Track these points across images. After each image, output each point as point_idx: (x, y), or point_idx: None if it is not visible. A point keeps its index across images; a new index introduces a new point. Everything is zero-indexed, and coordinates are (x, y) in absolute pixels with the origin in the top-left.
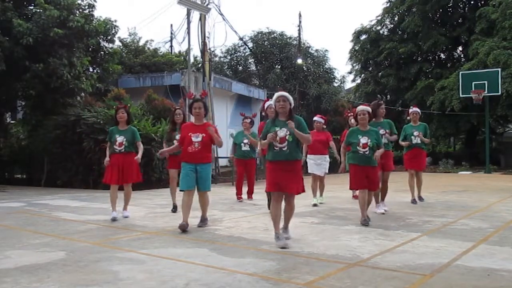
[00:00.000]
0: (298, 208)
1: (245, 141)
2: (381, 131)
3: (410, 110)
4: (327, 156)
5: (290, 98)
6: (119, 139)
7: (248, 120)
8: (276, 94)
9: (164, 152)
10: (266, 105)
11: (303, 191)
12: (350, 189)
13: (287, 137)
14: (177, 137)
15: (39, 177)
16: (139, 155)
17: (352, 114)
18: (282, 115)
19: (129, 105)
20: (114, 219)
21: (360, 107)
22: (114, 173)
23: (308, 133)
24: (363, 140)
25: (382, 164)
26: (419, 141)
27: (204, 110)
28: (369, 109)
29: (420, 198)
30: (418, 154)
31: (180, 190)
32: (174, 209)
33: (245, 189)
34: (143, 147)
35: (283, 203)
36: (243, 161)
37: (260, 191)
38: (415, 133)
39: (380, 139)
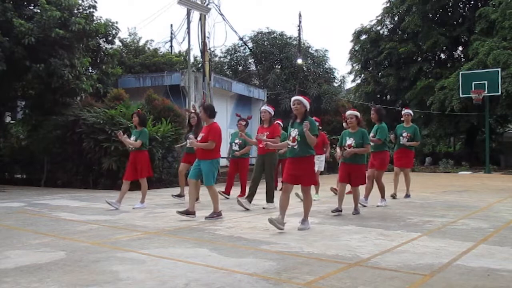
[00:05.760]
0: (297, 209)
1: (236, 141)
2: (371, 134)
3: (403, 112)
4: (322, 156)
5: (304, 101)
6: (132, 139)
7: (244, 123)
8: (292, 98)
9: (177, 148)
10: (261, 110)
11: (315, 183)
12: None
13: (296, 137)
14: (190, 136)
15: (39, 177)
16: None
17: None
18: (298, 117)
19: (139, 109)
20: (114, 208)
21: (349, 112)
22: (127, 170)
23: (316, 134)
24: (349, 141)
25: (372, 164)
26: (406, 142)
27: (204, 113)
28: (357, 113)
29: (407, 195)
30: (404, 154)
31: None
32: (178, 196)
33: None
34: (139, 143)
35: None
36: (234, 160)
37: (261, 191)
38: (404, 134)
39: (366, 140)
